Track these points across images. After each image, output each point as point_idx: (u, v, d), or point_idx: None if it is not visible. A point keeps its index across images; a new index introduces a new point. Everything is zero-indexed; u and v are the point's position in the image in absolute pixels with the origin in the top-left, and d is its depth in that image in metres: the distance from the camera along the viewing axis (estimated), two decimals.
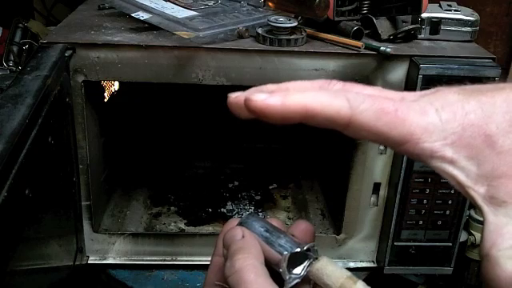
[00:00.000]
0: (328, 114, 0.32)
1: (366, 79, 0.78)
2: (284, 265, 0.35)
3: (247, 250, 0.35)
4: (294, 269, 0.36)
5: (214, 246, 0.40)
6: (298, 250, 0.36)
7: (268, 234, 0.37)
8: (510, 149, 0.29)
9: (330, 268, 0.35)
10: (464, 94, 0.32)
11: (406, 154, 0.32)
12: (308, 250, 0.36)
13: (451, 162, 0.30)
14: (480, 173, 0.30)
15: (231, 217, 1.01)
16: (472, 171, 0.30)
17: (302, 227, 0.39)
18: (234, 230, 0.37)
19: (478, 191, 0.30)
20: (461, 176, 0.30)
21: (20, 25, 1.09)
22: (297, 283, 0.35)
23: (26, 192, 0.51)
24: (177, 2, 0.86)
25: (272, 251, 0.36)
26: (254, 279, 0.33)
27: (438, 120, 0.31)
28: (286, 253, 0.36)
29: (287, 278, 0.35)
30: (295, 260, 0.36)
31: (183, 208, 1.04)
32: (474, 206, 0.31)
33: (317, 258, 0.36)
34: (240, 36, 0.79)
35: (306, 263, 0.36)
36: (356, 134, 0.32)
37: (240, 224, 0.39)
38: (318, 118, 0.32)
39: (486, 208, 0.30)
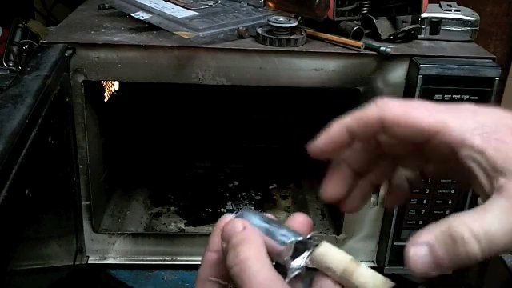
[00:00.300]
0: (362, 120, 0.36)
1: (366, 79, 0.78)
2: (289, 253, 0.35)
3: (250, 241, 0.35)
4: (295, 259, 0.35)
5: (208, 241, 0.39)
6: (301, 238, 0.36)
7: (268, 225, 0.37)
8: None
9: (331, 253, 0.35)
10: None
11: (437, 148, 0.33)
12: (309, 238, 0.36)
13: (479, 151, 0.31)
14: (504, 166, 0.30)
15: None
16: (498, 163, 0.30)
17: (299, 219, 0.38)
18: (234, 222, 0.36)
19: (499, 181, 0.30)
20: (485, 164, 0.31)
21: (20, 25, 1.09)
22: (297, 274, 0.35)
23: (26, 192, 0.51)
24: (177, 2, 0.86)
25: (273, 242, 0.36)
26: (260, 269, 0.33)
27: (472, 116, 0.33)
28: (289, 241, 0.35)
29: (291, 267, 0.35)
30: (297, 250, 0.36)
31: (183, 208, 1.04)
32: (480, 196, 0.32)
33: (317, 245, 0.36)
34: (240, 36, 0.79)
35: (306, 253, 0.35)
36: (392, 133, 0.35)
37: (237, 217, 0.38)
38: (357, 129, 0.36)
39: (489, 196, 0.30)
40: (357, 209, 0.42)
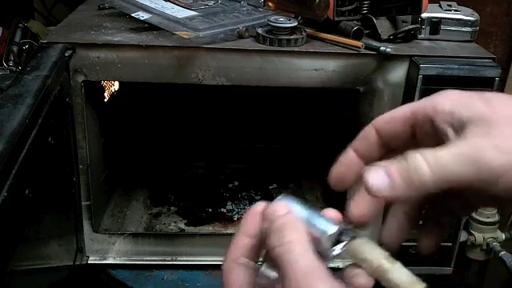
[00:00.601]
0: (363, 138, 0.40)
1: (366, 79, 0.78)
2: (330, 242, 0.36)
3: (294, 225, 0.35)
4: (332, 248, 0.36)
5: (239, 227, 0.39)
6: (342, 228, 0.36)
7: (308, 213, 0.37)
8: (502, 109, 0.33)
9: (368, 246, 0.36)
10: None
11: (424, 128, 0.36)
12: (347, 230, 0.37)
13: (450, 112, 0.34)
14: (470, 118, 0.33)
15: (231, 217, 1.01)
16: (463, 116, 0.34)
17: (331, 214, 0.39)
18: (278, 205, 0.37)
19: (462, 130, 0.33)
20: (454, 121, 0.34)
21: (20, 25, 1.09)
22: None
23: (26, 192, 0.51)
24: (177, 2, 0.86)
25: (313, 229, 0.36)
26: (303, 253, 0.33)
27: (443, 94, 0.36)
28: (331, 230, 0.36)
29: (327, 255, 0.36)
30: (334, 240, 0.36)
31: (183, 208, 1.04)
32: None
33: (355, 237, 0.36)
34: (240, 36, 0.79)
35: (342, 244, 0.36)
36: (387, 134, 0.38)
37: None
38: (363, 148, 0.40)
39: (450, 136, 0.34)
40: (434, 249, 0.44)
